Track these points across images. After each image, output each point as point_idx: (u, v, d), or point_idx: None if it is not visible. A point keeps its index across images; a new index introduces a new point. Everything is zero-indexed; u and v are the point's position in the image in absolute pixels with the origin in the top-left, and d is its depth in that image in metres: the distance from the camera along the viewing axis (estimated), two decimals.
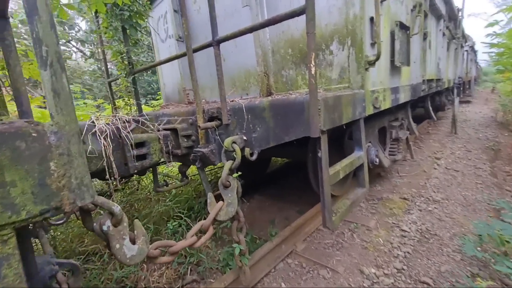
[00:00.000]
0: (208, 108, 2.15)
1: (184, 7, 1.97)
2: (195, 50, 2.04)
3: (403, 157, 4.30)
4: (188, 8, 3.08)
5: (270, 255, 2.47)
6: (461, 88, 10.90)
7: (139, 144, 2.05)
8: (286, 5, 2.25)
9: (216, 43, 1.87)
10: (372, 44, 2.06)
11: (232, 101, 2.40)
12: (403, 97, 3.01)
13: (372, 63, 1.92)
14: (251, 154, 1.87)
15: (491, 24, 4.68)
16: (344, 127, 1.89)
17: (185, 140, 2.36)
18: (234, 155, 1.82)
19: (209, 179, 4.59)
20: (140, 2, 2.85)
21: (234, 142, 1.84)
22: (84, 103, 7.05)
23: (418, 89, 3.64)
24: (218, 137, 2.13)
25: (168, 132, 2.36)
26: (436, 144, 6.30)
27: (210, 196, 1.83)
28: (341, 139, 2.91)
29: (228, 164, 1.80)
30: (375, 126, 3.10)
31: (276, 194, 4.21)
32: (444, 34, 5.54)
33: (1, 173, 0.52)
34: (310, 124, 1.46)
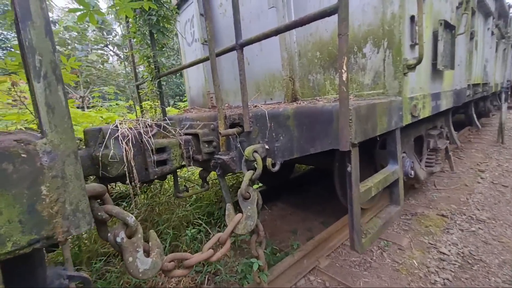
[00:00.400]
0: (230, 114, 2.07)
1: (209, 11, 1.92)
2: (218, 54, 1.98)
3: (441, 168, 3.90)
4: (213, 11, 3.06)
5: (290, 270, 2.33)
6: (509, 93, 9.84)
7: (160, 150, 2.02)
8: (315, 6, 2.11)
9: (239, 46, 1.78)
10: (412, 46, 1.84)
11: (255, 106, 2.31)
12: (445, 104, 2.70)
13: (412, 67, 1.71)
14: (273, 165, 1.76)
15: None
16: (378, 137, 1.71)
17: (206, 146, 2.30)
18: (255, 165, 1.72)
19: (230, 183, 4.54)
20: (167, 7, 2.87)
21: (255, 151, 1.74)
22: (116, 104, 7.41)
23: (462, 95, 3.27)
24: (239, 145, 2.05)
25: (190, 137, 2.33)
26: (479, 154, 5.69)
27: (229, 207, 1.74)
28: (372, 148, 2.68)
29: (248, 175, 1.70)
30: (410, 135, 2.82)
31: (299, 203, 4.03)
32: (492, 33, 4.99)
33: None
34: (339, 136, 1.31)
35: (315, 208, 3.79)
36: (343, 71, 1.22)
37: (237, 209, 2.19)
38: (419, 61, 1.66)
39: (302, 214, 3.67)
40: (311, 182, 4.82)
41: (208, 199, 3.48)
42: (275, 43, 2.33)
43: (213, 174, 4.36)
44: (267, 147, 1.81)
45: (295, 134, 1.61)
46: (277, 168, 1.76)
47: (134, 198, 2.12)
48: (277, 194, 4.26)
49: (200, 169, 2.65)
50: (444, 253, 2.55)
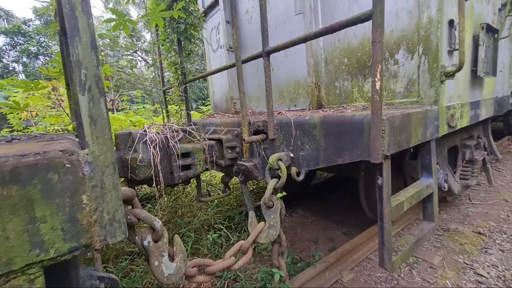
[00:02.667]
0: (254, 121, 2.06)
1: (236, 18, 1.93)
2: (244, 61, 1.98)
3: (477, 181, 3.62)
4: (239, 18, 3.09)
5: (312, 282, 2.25)
6: None
7: (185, 155, 2.06)
8: (344, 11, 2.06)
9: (265, 54, 1.78)
10: (450, 52, 1.73)
11: (279, 113, 2.28)
12: (485, 113, 2.51)
13: (450, 75, 1.60)
14: (298, 174, 1.72)
15: None
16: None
17: (229, 151, 2.31)
18: (279, 173, 1.69)
19: (251, 188, 4.53)
20: (195, 15, 2.94)
21: (279, 160, 1.71)
22: (143, 107, 7.72)
23: (505, 103, 3.02)
24: (262, 152, 2.03)
25: (213, 142, 2.35)
26: None
27: (252, 215, 1.73)
28: (401, 158, 2.55)
29: (272, 183, 1.68)
30: (444, 145, 2.65)
31: (320, 211, 3.93)
32: None
33: (31, 208, 0.49)
34: (370, 147, 1.25)
35: (337, 217, 3.66)
36: (376, 79, 1.17)
37: (258, 215, 2.17)
38: (459, 68, 1.55)
39: (323, 223, 3.56)
40: (333, 190, 4.68)
41: (228, 203, 3.49)
42: (301, 50, 2.30)
43: (234, 179, 4.39)
44: (291, 155, 1.77)
45: (321, 143, 1.56)
46: (301, 177, 1.72)
47: (159, 199, 2.17)
48: (298, 200, 4.18)
49: (223, 174, 2.67)
50: (482, 275, 2.34)
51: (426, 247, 2.82)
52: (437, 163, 2.58)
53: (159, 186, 1.95)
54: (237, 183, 4.30)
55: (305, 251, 2.93)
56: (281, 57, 2.61)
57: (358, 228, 3.17)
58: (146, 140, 1.92)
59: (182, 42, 2.87)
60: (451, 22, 1.69)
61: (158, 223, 1.24)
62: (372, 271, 2.51)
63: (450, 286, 2.23)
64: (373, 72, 1.18)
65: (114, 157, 0.61)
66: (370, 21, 1.17)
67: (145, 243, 1.23)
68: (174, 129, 2.18)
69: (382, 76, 1.17)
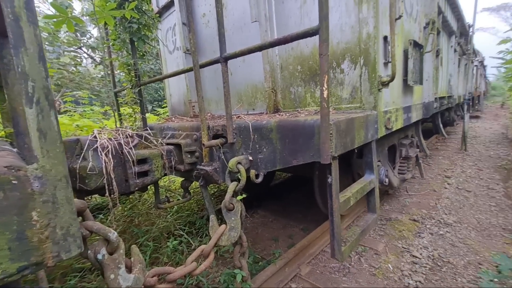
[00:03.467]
0: (213, 125, 2.08)
1: (192, 22, 1.94)
2: (202, 66, 1.99)
3: (412, 175, 4.15)
4: (196, 21, 3.07)
5: (272, 279, 2.35)
6: (471, 103, 10.72)
7: (141, 161, 1.98)
8: (297, 22, 2.21)
9: (223, 59, 1.82)
10: (385, 64, 1.98)
11: (238, 117, 2.34)
12: (415, 116, 2.91)
13: (385, 84, 1.84)
14: (257, 176, 1.79)
15: (504, 41, 4.58)
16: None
17: (189, 156, 2.29)
18: (239, 176, 1.74)
19: (211, 192, 4.51)
20: (149, 15, 2.84)
21: (239, 163, 1.76)
22: (91, 109, 7.09)
23: (430, 107, 3.54)
24: (222, 156, 2.06)
25: (172, 147, 2.30)
26: (445, 161, 6.13)
27: (213, 218, 1.75)
28: (349, 158, 2.81)
29: (232, 186, 1.72)
30: (384, 145, 2.99)
31: (280, 210, 4.09)
32: (455, 51, 5.46)
33: None
34: (320, 149, 1.37)
35: (296, 215, 3.86)
36: (324, 88, 1.30)
37: (219, 218, 2.19)
38: (392, 78, 1.79)
39: (283, 221, 3.72)
40: (291, 189, 4.91)
41: (189, 208, 3.42)
42: (258, 56, 2.39)
43: (194, 183, 4.32)
44: (250, 158, 1.84)
45: (278, 146, 1.66)
46: (260, 179, 1.79)
47: (113, 210, 2.05)
48: (259, 201, 4.29)
49: (182, 179, 2.62)
50: (416, 257, 2.71)
51: (372, 236, 3.15)
52: (379, 161, 2.91)
53: (112, 195, 1.85)
54: (197, 188, 4.24)
55: (266, 249, 3.03)
56: (239, 62, 2.67)
57: (314, 224, 3.39)
58: (97, 147, 1.80)
59: (136, 43, 2.74)
60: (385, 38, 1.95)
61: (113, 234, 1.19)
62: (327, 262, 2.72)
63: (391, 269, 2.54)
64: (321, 81, 1.30)
65: (67, 170, 0.58)
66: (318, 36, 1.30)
67: (99, 256, 1.17)
68: (129, 134, 2.08)
69: (329, 85, 1.30)
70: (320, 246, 2.92)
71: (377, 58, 1.85)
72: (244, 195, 1.75)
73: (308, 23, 2.13)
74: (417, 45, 2.56)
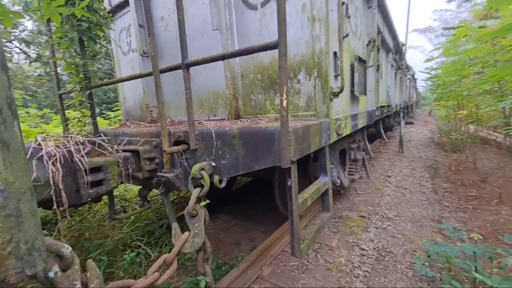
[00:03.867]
0: (175, 131, 2.05)
1: (152, 26, 1.90)
2: (163, 71, 1.97)
3: (360, 176, 4.59)
4: (154, 25, 2.99)
5: (236, 282, 2.39)
6: (405, 111, 12.24)
7: (95, 169, 1.86)
8: (256, 33, 2.32)
9: (185, 66, 1.82)
10: (336, 76, 2.21)
11: (200, 123, 2.34)
12: (361, 123, 3.25)
13: (336, 95, 2.05)
14: (220, 181, 1.82)
15: (429, 60, 5.41)
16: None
17: (148, 163, 2.21)
18: (202, 182, 1.76)
19: (172, 199, 4.35)
20: (102, 14, 2.68)
21: (202, 169, 1.78)
22: (26, 112, 6.25)
23: (373, 115, 3.99)
24: (185, 162, 2.04)
25: (129, 154, 2.20)
26: (386, 162, 6.89)
27: (175, 226, 1.72)
28: (306, 162, 3.01)
29: (195, 192, 1.72)
30: (336, 149, 3.28)
31: (242, 214, 4.15)
32: (392, 65, 6.24)
33: None
34: (280, 154, 1.47)
35: (257, 218, 3.95)
36: (283, 98, 1.40)
37: (181, 226, 2.15)
38: (342, 90, 2.01)
39: (245, 225, 3.78)
40: (252, 193, 5.01)
41: (147, 218, 3.26)
42: (219, 63, 2.44)
43: (152, 191, 4.13)
44: (213, 164, 1.87)
45: (240, 152, 1.72)
46: (223, 184, 1.83)
47: (60, 224, 1.85)
48: (221, 206, 4.28)
49: (140, 187, 2.51)
50: (364, 249, 3.01)
51: (327, 234, 3.40)
52: (332, 164, 3.17)
53: (61, 208, 1.69)
54: (155, 196, 4.06)
55: (229, 254, 3.05)
56: (201, 68, 2.68)
57: (275, 226, 3.52)
58: (42, 155, 1.64)
59: (85, 42, 2.56)
60: (335, 54, 2.17)
61: (67, 249, 1.11)
62: (287, 261, 2.85)
63: (344, 262, 2.78)
64: (280, 91, 1.41)
65: (31, 182, 0.55)
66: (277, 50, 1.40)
67: (51, 274, 1.08)
68: (80, 141, 1.93)
69: (288, 95, 1.41)
70: (280, 247, 3.04)
71: (329, 71, 2.05)
72: (207, 201, 1.77)
73: (267, 35, 2.26)
74: (361, 61, 2.89)
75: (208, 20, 2.57)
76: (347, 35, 2.36)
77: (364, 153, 4.41)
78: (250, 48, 1.50)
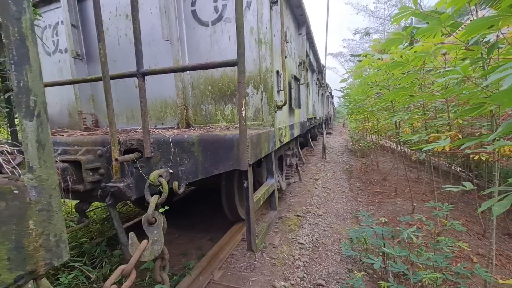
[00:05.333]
0: (126, 139, 2.00)
1: (102, 32, 1.85)
2: (113, 78, 1.92)
3: (294, 180, 5.14)
4: (92, 27, 2.81)
5: None
6: (326, 123, 14.09)
7: None
8: (207, 48, 2.48)
9: (140, 75, 1.84)
10: (278, 92, 2.55)
11: (151, 131, 2.32)
12: (296, 132, 3.73)
13: (280, 107, 2.38)
14: (179, 187, 1.88)
15: (343, 80, 6.53)
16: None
17: (91, 173, 2.06)
18: (161, 189, 1.78)
19: (105, 215, 3.94)
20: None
21: (160, 176, 1.80)
22: None
23: (305, 125, 4.59)
24: (135, 171, 2.00)
25: (67, 165, 2.01)
26: (313, 167, 7.82)
27: (132, 236, 1.69)
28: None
29: (154, 199, 1.73)
30: (276, 155, 3.65)
31: (186, 224, 4.09)
32: (316, 83, 7.25)
33: None
34: (240, 159, 1.66)
35: (202, 227, 3.97)
36: (242, 109, 1.61)
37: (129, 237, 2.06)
38: (285, 103, 2.35)
39: (190, 235, 3.75)
40: (195, 202, 4.97)
41: (85, 235, 2.91)
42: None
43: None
44: (171, 171, 1.91)
45: (200, 158, 1.83)
46: (182, 190, 1.89)
47: None
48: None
49: (77, 201, 2.28)
50: (302, 243, 3.41)
51: (270, 234, 3.70)
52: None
53: None
54: (93, 209, 3.63)
55: (177, 265, 3.00)
56: (148, 76, 2.65)
57: (221, 232, 3.62)
58: None
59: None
60: (278, 72, 2.52)
61: None
62: (236, 263, 2.99)
63: (286, 257, 3.10)
64: (239, 103, 1.61)
65: (58, 179, 0.57)
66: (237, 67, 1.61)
67: None
68: (7, 150, 1.69)
69: (246, 106, 1.62)
70: (229, 251, 3.16)
71: (273, 87, 2.38)
72: (166, 208, 1.80)
73: (218, 51, 2.45)
74: (296, 79, 3.37)
75: (155, 30, 2.60)
76: (286, 56, 2.76)
77: (297, 159, 4.99)
78: (211, 63, 1.66)
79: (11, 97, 2.31)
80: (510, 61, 1.74)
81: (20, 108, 0.50)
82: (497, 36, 1.62)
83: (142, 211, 4.40)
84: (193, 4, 2.44)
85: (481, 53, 1.47)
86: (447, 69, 2.05)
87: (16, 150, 1.77)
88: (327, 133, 17.42)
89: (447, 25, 1.69)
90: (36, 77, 0.52)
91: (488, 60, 1.39)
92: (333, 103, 26.36)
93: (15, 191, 0.48)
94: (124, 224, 3.40)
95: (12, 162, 1.64)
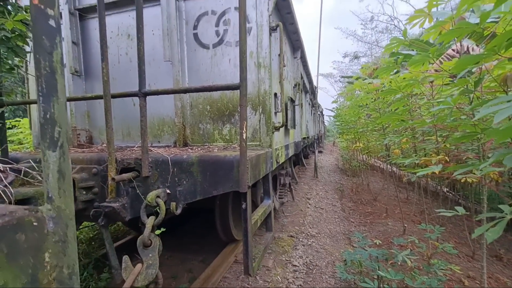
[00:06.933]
0: (123, 158, 1.98)
1: (106, 52, 1.88)
2: (115, 96, 1.93)
3: (288, 199, 5.12)
4: (92, 44, 2.85)
5: None
6: (318, 142, 14.31)
7: (22, 202, 1.59)
8: (207, 69, 2.54)
9: (142, 95, 1.86)
10: (276, 113, 2.61)
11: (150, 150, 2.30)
12: (291, 152, 3.78)
13: (277, 129, 2.43)
14: (176, 208, 1.85)
15: (334, 101, 6.75)
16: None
17: (84, 192, 2.01)
18: (158, 210, 1.75)
19: (91, 235, 3.79)
20: (27, 23, 2.41)
21: (158, 196, 1.78)
22: None
23: (299, 145, 4.66)
24: (131, 190, 1.97)
25: None
26: (306, 186, 7.83)
27: (126, 259, 1.63)
28: None
29: (150, 221, 1.70)
30: (271, 175, 3.66)
31: (176, 245, 3.96)
32: (309, 104, 7.45)
33: None
34: (239, 180, 1.67)
35: (193, 247, 3.85)
36: (243, 131, 1.64)
37: (119, 259, 1.98)
38: (283, 124, 2.40)
39: (180, 256, 3.62)
40: (185, 222, 4.84)
41: None
42: None
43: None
44: (168, 191, 1.88)
45: (199, 179, 1.82)
46: (179, 211, 1.86)
47: None
48: None
49: None
50: (296, 265, 3.35)
51: (264, 256, 3.63)
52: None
53: None
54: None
55: None
56: None
57: (213, 252, 3.52)
58: None
59: (4, 53, 2.23)
60: (275, 94, 2.59)
61: None
62: (228, 286, 2.89)
63: (280, 280, 3.03)
64: (241, 125, 1.64)
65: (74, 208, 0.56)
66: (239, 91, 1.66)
67: None
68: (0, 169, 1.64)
69: (247, 129, 1.66)
70: (221, 273, 3.06)
71: (271, 108, 2.44)
72: (162, 229, 1.76)
73: (218, 72, 2.51)
74: (292, 100, 3.46)
75: (156, 50, 2.65)
76: (283, 79, 2.85)
77: (290, 178, 5.00)
78: (213, 86, 1.71)
79: (4, 113, 2.27)
80: (493, 93, 1.87)
81: (45, 139, 0.51)
82: (481, 69, 1.75)
83: (130, 230, 4.25)
84: (195, 27, 2.53)
85: (466, 86, 1.58)
86: (438, 100, 2.18)
87: (9, 167, 1.72)
88: (319, 151, 17.62)
89: (435, 57, 1.82)
90: (62, 109, 0.54)
91: (473, 92, 1.50)
92: (323, 122, 26.93)
93: (35, 223, 0.47)
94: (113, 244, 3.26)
95: (4, 181, 1.60)
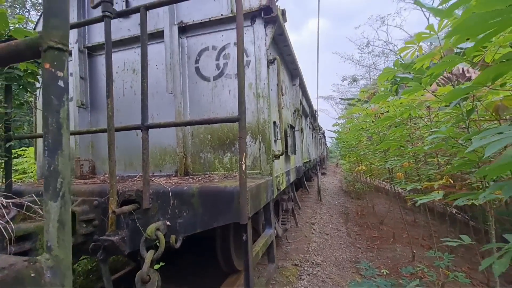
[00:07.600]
0: (124, 189, 2.00)
1: (112, 89, 1.97)
2: (118, 130, 1.99)
3: (291, 225, 5.01)
4: (99, 78, 2.99)
5: None
6: (320, 164, 14.25)
7: (22, 238, 1.59)
8: (208, 100, 2.63)
9: (145, 128, 1.92)
10: (275, 141, 2.66)
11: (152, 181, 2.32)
12: (292, 178, 3.77)
13: (277, 156, 2.46)
14: (176, 241, 1.82)
15: (335, 125, 6.82)
16: None
17: (84, 225, 2.00)
18: (157, 243, 1.73)
19: (88, 267, 3.69)
20: (39, 62, 2.55)
21: (157, 229, 1.76)
22: None
23: (300, 170, 4.65)
24: (131, 223, 1.96)
25: None
26: (309, 210, 7.68)
27: None
28: None
29: (150, 255, 1.67)
30: (273, 201, 3.62)
31: (174, 275, 3.82)
32: (309, 127, 7.55)
33: None
34: (239, 212, 1.66)
35: (192, 278, 3.72)
36: (242, 163, 1.66)
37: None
38: (283, 152, 2.43)
39: None
40: (184, 251, 4.71)
41: None
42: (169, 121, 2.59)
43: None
44: (168, 223, 1.87)
45: (199, 210, 1.82)
46: (179, 244, 1.83)
47: None
48: None
49: None
50: None
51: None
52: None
53: None
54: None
55: None
56: None
57: (213, 284, 3.39)
58: None
59: (16, 90, 2.34)
60: (275, 123, 2.65)
61: None
62: None
63: None
64: (240, 157, 1.67)
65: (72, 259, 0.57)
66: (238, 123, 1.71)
67: None
68: (2, 203, 1.66)
69: (246, 160, 1.68)
70: None
71: (271, 137, 2.48)
72: (162, 264, 1.72)
73: (218, 103, 2.60)
74: (291, 127, 3.53)
75: (160, 83, 2.77)
76: (282, 107, 2.93)
77: (292, 203, 4.93)
78: (214, 119, 1.76)
79: (11, 147, 2.33)
80: (485, 121, 1.91)
81: (47, 190, 0.53)
82: (474, 96, 1.81)
83: (129, 260, 4.13)
84: (196, 62, 2.66)
85: (461, 114, 1.62)
86: (433, 130, 2.22)
87: (11, 203, 1.74)
88: (321, 173, 17.47)
89: (427, 85, 1.89)
90: (66, 161, 0.57)
91: (467, 121, 1.54)
92: (325, 144, 26.98)
93: (33, 275, 0.48)
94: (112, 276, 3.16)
95: (6, 217, 1.61)
